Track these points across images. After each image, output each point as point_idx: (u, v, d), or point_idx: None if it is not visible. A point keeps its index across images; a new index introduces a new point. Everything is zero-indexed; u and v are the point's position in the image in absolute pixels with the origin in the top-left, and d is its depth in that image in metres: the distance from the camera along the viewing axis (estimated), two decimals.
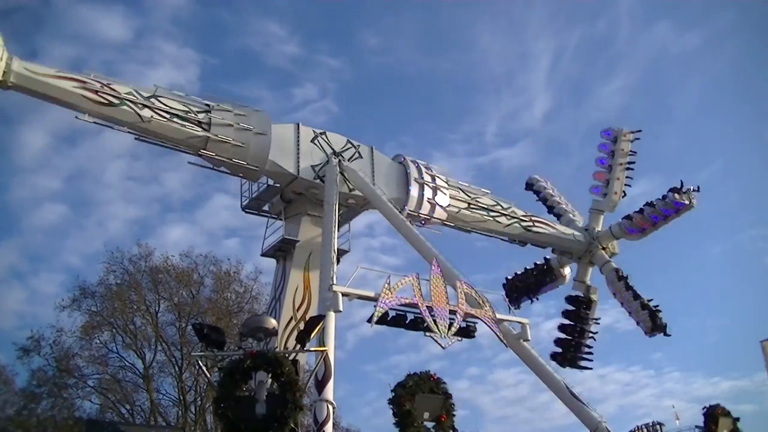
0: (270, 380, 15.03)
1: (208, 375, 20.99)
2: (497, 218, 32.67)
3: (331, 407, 20.39)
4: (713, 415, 23.96)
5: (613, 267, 33.14)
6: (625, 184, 35.33)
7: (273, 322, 16.83)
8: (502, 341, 24.25)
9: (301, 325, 23.83)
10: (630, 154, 35.40)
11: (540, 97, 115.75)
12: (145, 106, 24.27)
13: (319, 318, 18.13)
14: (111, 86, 23.88)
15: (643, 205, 32.88)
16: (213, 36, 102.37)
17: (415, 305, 21.45)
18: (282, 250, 28.07)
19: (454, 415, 18.02)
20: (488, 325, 23.09)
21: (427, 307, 21.41)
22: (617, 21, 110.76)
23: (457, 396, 18.40)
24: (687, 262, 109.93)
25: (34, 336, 43.69)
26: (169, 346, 46.22)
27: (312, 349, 18.88)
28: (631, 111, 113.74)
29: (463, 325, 22.34)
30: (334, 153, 28.04)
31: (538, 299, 36.45)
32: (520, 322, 25.92)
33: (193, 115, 25.33)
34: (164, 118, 24.57)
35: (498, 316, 23.76)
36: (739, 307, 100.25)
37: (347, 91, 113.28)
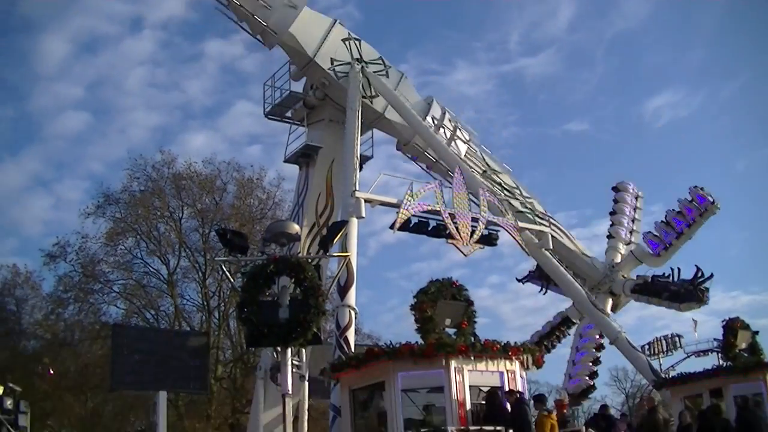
0: (293, 285, 15.02)
1: (232, 280, 21.15)
2: (510, 199, 28.86)
3: (353, 313, 20.66)
4: (732, 327, 23.94)
5: (631, 284, 30.11)
6: None
7: (296, 227, 16.67)
8: (523, 249, 24.29)
9: (324, 231, 23.95)
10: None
11: (564, 6, 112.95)
12: None
13: (342, 224, 18.07)
14: None
15: (666, 211, 29.71)
16: None
17: (437, 212, 21.43)
18: (305, 157, 28.01)
19: (475, 322, 18.02)
20: (510, 233, 23.07)
21: (449, 214, 21.37)
22: None
23: (479, 304, 18.37)
24: (710, 176, 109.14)
25: (60, 242, 44.56)
26: (193, 252, 46.57)
27: (335, 254, 18.93)
28: (657, 20, 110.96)
29: (485, 232, 22.33)
30: (360, 59, 27.59)
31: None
32: (542, 231, 25.88)
33: None
34: None
35: (520, 224, 23.68)
36: (761, 222, 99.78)
37: None
